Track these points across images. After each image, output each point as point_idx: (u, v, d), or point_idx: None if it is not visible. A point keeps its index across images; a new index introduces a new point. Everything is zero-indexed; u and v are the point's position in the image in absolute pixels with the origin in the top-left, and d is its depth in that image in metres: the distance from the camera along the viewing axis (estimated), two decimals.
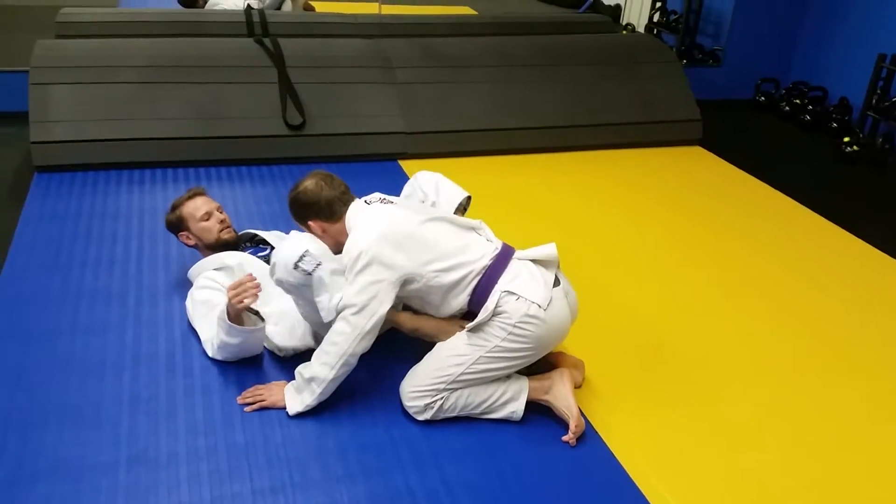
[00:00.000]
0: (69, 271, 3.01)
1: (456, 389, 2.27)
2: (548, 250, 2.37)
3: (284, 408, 2.30)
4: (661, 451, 2.27)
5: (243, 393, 2.37)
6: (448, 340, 2.32)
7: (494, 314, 2.22)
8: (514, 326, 2.22)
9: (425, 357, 2.33)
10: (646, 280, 3.27)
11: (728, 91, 6.24)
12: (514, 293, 2.23)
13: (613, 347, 2.76)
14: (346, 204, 2.44)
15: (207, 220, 2.85)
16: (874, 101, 5.25)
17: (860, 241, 3.74)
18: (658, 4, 7.30)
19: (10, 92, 4.49)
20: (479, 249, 2.33)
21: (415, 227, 2.30)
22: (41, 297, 2.83)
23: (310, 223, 2.46)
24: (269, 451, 2.17)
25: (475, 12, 7.34)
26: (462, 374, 2.25)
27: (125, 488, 2.01)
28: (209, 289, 2.67)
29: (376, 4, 5.64)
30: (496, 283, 2.26)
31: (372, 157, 4.29)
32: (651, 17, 7.37)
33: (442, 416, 2.29)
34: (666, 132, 4.92)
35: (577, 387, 2.47)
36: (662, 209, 3.99)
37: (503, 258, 2.33)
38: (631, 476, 2.17)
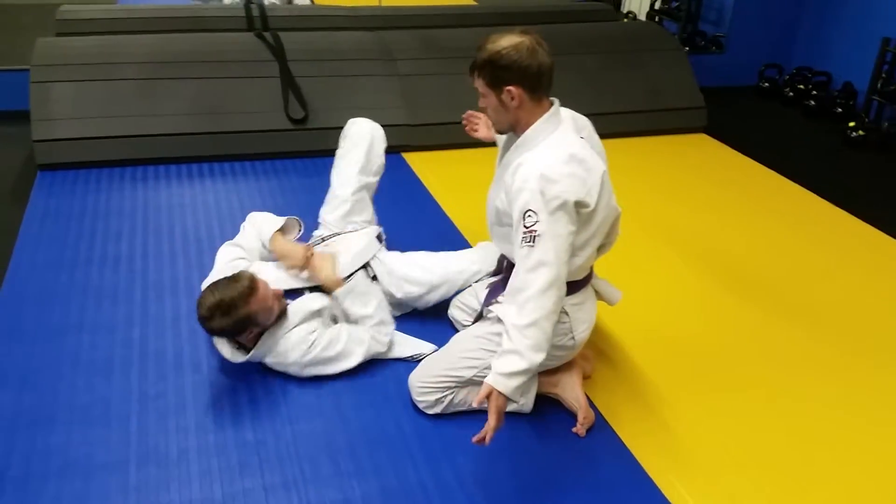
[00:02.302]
0: (74, 269, 3.00)
1: (465, 387, 2.26)
2: (615, 297, 2.35)
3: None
4: (673, 443, 2.26)
5: (480, 436, 1.96)
6: (466, 334, 2.30)
7: None
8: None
9: (439, 351, 2.32)
10: (653, 270, 3.25)
11: (731, 78, 6.20)
12: (568, 316, 2.15)
13: (622, 339, 2.74)
14: (550, 86, 2.09)
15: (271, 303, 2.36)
16: (879, 84, 5.21)
17: (867, 225, 3.72)
18: None
19: (11, 90, 4.47)
20: (592, 258, 2.19)
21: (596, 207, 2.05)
22: (47, 296, 2.82)
23: (508, 89, 2.03)
24: (280, 446, 2.16)
25: (476, 2, 7.30)
26: (474, 376, 2.22)
27: (135, 486, 2.00)
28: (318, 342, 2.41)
29: None
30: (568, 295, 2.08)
31: None
32: (652, 5, 7.32)
33: (452, 409, 2.28)
34: (670, 120, 4.89)
35: (587, 377, 2.46)
36: (668, 197, 3.97)
37: (588, 278, 2.24)
38: (644, 467, 2.16)
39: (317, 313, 2.44)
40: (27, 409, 2.26)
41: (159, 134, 3.99)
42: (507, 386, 1.94)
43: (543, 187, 1.94)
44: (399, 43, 4.66)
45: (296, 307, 2.41)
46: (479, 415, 2.28)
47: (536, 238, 1.94)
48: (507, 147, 2.19)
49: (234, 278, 2.27)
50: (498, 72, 2.02)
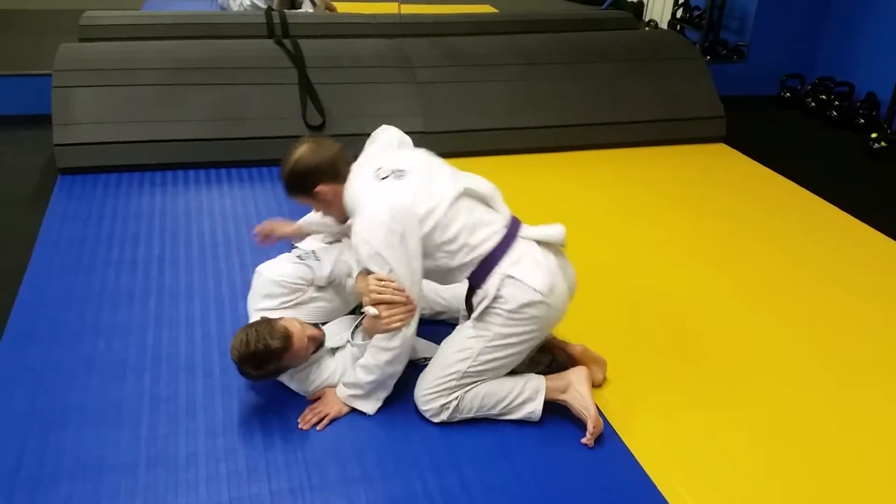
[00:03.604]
0: (92, 272, 3.04)
1: (469, 388, 2.25)
2: (555, 233, 2.26)
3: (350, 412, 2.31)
4: (682, 453, 2.24)
5: (303, 416, 2.28)
6: (451, 336, 2.30)
7: (494, 298, 2.16)
8: (513, 312, 2.16)
9: (433, 359, 2.32)
10: (669, 280, 3.23)
11: (752, 87, 6.15)
12: (514, 278, 2.16)
13: (635, 347, 2.73)
14: (349, 163, 2.30)
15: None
16: None
17: (889, 238, 3.67)
18: (681, 0, 7.22)
19: (34, 95, 4.54)
20: (489, 229, 2.21)
21: (433, 211, 2.16)
22: (64, 299, 2.86)
23: (318, 190, 2.27)
24: (288, 452, 2.17)
25: (496, 10, 7.32)
26: (469, 367, 2.22)
27: (144, 489, 2.02)
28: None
29: (396, 4, 5.63)
30: (498, 264, 2.17)
31: None
32: (674, 13, 7.29)
33: (458, 417, 2.27)
34: (689, 129, 4.86)
35: (598, 386, 2.45)
36: (686, 207, 3.94)
37: (509, 238, 2.22)
38: (652, 478, 2.14)
39: (332, 350, 2.45)
40: (41, 410, 2.29)
41: (178, 139, 4.03)
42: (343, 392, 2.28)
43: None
44: (418, 50, 4.68)
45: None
46: (487, 423, 2.30)
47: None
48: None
49: (270, 332, 2.18)
50: (303, 181, 2.28)
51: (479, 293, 2.21)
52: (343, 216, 2.36)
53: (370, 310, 2.16)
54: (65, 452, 2.13)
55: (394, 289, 2.12)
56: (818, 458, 2.26)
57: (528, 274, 2.17)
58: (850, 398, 2.53)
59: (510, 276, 2.16)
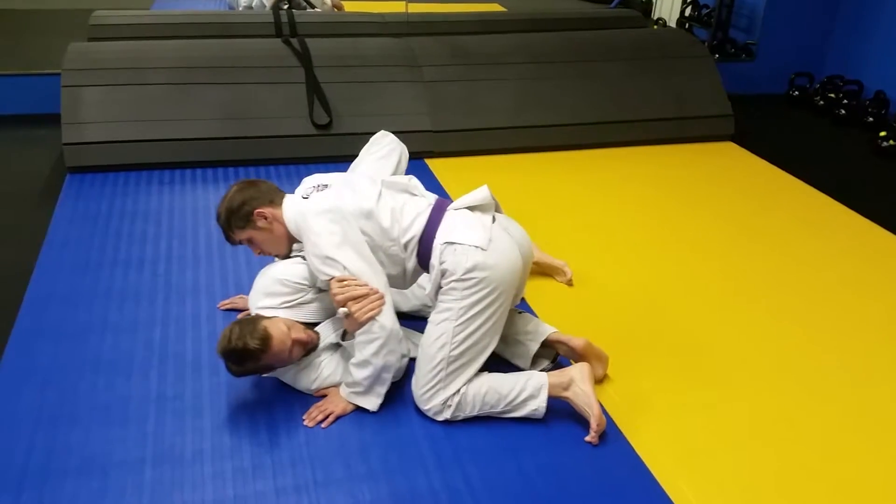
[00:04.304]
0: (99, 271, 3.06)
1: (464, 376, 2.24)
2: (481, 195, 2.35)
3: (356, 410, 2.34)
4: (686, 452, 2.24)
5: (308, 414, 2.30)
6: (424, 333, 2.30)
7: (442, 273, 2.22)
8: (461, 280, 2.18)
9: (417, 359, 2.33)
10: (677, 278, 3.22)
11: (761, 86, 6.13)
12: (452, 243, 2.22)
13: (640, 345, 2.73)
14: (279, 191, 2.42)
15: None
16: None
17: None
18: None
19: (43, 94, 4.58)
20: (415, 208, 2.33)
21: (363, 205, 2.29)
22: (72, 297, 2.88)
23: (255, 216, 2.34)
24: (293, 449, 2.18)
25: (504, 9, 7.31)
26: (451, 352, 2.21)
27: (150, 485, 2.03)
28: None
29: (403, 3, 5.64)
30: (435, 237, 2.26)
31: None
32: (682, 12, 7.27)
33: (462, 414, 2.28)
34: (698, 128, 4.85)
35: (598, 381, 2.45)
36: (694, 206, 3.93)
37: (438, 212, 2.32)
38: (656, 477, 2.14)
39: (334, 346, 2.46)
40: (49, 407, 2.30)
41: (186, 138, 4.05)
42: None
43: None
44: (425, 49, 4.68)
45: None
46: (491, 422, 2.30)
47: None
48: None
49: (251, 331, 2.20)
50: (241, 210, 2.34)
51: (432, 273, 2.27)
52: (284, 247, 2.43)
53: (341, 310, 2.20)
54: (72, 449, 2.14)
55: (355, 284, 2.17)
56: (823, 457, 2.26)
57: (462, 235, 2.23)
58: (858, 398, 2.52)
59: (447, 242, 2.23)
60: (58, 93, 4.01)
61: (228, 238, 2.44)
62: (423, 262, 2.31)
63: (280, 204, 2.38)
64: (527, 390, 2.29)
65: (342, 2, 6.58)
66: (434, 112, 4.40)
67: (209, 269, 3.09)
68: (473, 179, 4.06)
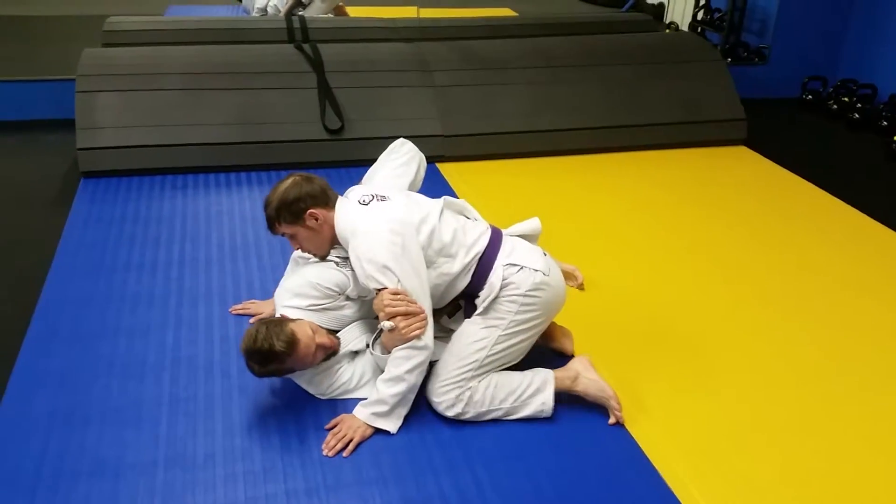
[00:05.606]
0: (113, 274, 3.08)
1: (482, 377, 2.28)
2: (534, 224, 2.52)
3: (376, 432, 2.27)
4: (693, 452, 2.23)
5: (327, 443, 2.20)
6: (462, 330, 2.33)
7: (502, 287, 2.27)
8: (525, 296, 2.27)
9: (445, 352, 2.33)
10: (688, 281, 3.21)
11: (774, 90, 6.11)
12: (516, 265, 2.29)
13: (650, 346, 2.73)
14: (333, 192, 2.40)
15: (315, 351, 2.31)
16: None
17: None
18: (702, 2, 7.19)
19: (58, 100, 4.62)
20: (477, 230, 2.38)
21: (426, 219, 2.31)
22: (86, 300, 2.90)
23: (307, 215, 2.33)
24: (304, 452, 2.18)
25: (515, 13, 7.32)
26: (486, 357, 2.27)
27: (162, 488, 2.04)
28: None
29: (415, 8, 5.65)
30: (495, 259, 2.31)
31: None
32: (695, 16, 7.26)
33: (471, 412, 2.28)
34: (710, 132, 4.84)
35: (568, 355, 2.57)
36: (706, 210, 3.92)
37: (498, 234, 2.40)
38: (663, 477, 2.13)
39: (352, 354, 2.46)
40: (62, 410, 2.32)
41: (199, 143, 4.08)
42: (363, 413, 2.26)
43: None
44: (436, 54, 4.69)
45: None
46: (500, 424, 2.30)
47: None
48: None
49: (278, 333, 2.18)
50: (295, 205, 2.32)
51: (486, 289, 2.29)
52: (325, 248, 2.42)
53: (386, 324, 2.18)
54: (85, 451, 2.16)
55: (408, 301, 2.16)
56: (830, 456, 2.25)
57: (527, 259, 2.32)
58: (866, 400, 2.51)
59: (512, 264, 2.29)
60: (72, 98, 4.05)
61: (271, 227, 2.40)
62: (479, 279, 2.31)
63: (333, 207, 2.36)
64: (534, 384, 2.32)
65: (344, 7, 6.53)
66: (445, 116, 4.41)
67: (221, 274, 3.11)
68: (485, 184, 4.10)
